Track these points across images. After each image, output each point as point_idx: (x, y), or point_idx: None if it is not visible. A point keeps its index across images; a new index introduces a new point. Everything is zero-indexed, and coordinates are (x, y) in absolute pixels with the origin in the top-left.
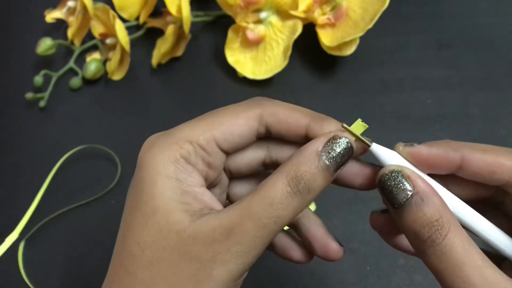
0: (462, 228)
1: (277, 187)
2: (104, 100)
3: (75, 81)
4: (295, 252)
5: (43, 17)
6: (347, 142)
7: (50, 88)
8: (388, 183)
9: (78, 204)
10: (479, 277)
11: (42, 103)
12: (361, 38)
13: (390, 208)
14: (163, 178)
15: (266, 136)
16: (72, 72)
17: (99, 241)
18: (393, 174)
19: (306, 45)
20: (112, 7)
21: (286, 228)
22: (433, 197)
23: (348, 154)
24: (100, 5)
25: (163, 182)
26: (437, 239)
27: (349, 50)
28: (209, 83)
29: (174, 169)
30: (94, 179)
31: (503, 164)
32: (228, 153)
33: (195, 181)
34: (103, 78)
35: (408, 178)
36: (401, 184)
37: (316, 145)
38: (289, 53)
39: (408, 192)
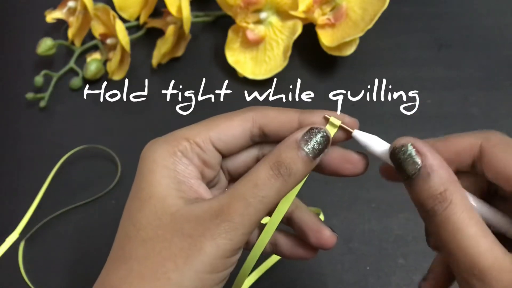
0: (466, 200)
1: (261, 171)
2: (104, 100)
3: (76, 81)
4: (299, 250)
5: (44, 17)
6: (323, 131)
7: (50, 88)
8: (399, 156)
9: (78, 204)
10: (471, 244)
11: (42, 103)
12: (361, 38)
13: (401, 179)
14: (162, 168)
15: (262, 141)
16: (72, 72)
17: (99, 241)
18: (403, 148)
19: (306, 45)
20: (113, 7)
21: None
22: (440, 170)
23: (325, 143)
24: (101, 5)
25: (161, 172)
26: (438, 210)
27: (349, 50)
28: (209, 83)
29: (172, 161)
30: (94, 179)
31: (464, 148)
32: (223, 153)
33: (192, 174)
34: (103, 78)
35: (418, 152)
36: (410, 158)
37: (296, 135)
38: (289, 53)
39: (417, 166)
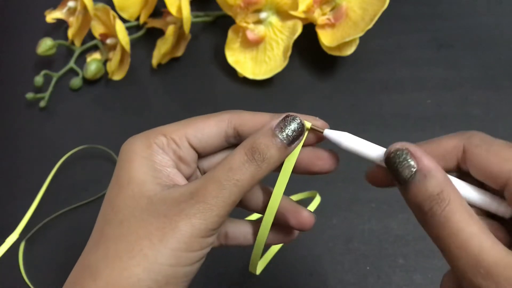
0: (463, 200)
1: (236, 156)
2: (104, 100)
3: (76, 81)
4: (277, 235)
5: (44, 17)
6: (298, 119)
7: (50, 88)
8: (394, 161)
9: (78, 204)
10: (474, 242)
11: (42, 103)
12: (361, 38)
13: (396, 184)
14: (140, 158)
15: (237, 142)
16: (72, 72)
17: None
18: (398, 152)
19: (306, 45)
20: (113, 7)
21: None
22: (435, 172)
23: (299, 130)
24: (101, 5)
25: (139, 161)
26: (436, 211)
27: (349, 50)
28: (209, 83)
29: (150, 152)
30: (94, 179)
31: (448, 150)
32: (199, 151)
33: (169, 164)
34: (103, 78)
35: (412, 156)
36: (405, 162)
37: (271, 123)
38: (289, 53)
39: (412, 169)
